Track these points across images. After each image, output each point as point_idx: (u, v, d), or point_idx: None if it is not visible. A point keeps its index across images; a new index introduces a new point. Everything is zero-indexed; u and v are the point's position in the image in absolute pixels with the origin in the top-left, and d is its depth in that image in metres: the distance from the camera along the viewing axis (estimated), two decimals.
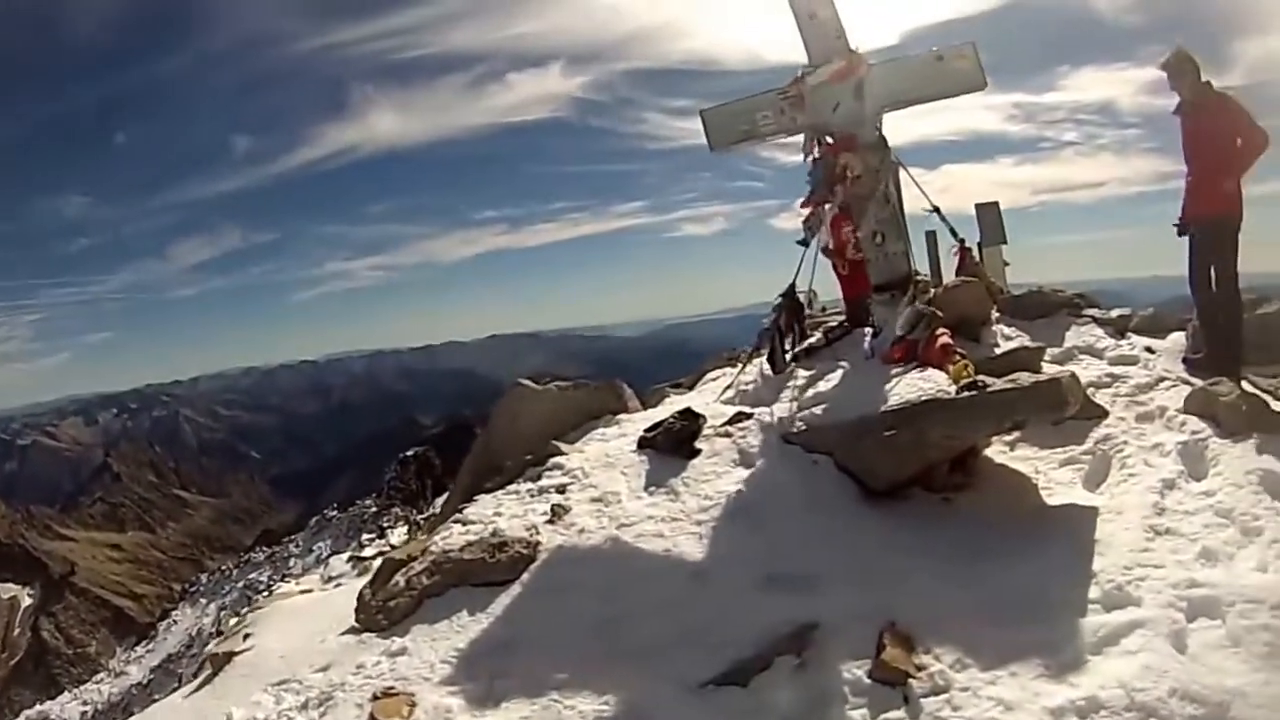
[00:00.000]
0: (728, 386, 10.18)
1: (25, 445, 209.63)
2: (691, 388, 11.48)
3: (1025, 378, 7.40)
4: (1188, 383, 8.92)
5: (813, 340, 10.14)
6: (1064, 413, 7.38)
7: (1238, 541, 6.52)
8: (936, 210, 10.59)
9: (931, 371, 8.04)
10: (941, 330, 8.48)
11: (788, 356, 9.87)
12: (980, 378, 7.46)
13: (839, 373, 8.95)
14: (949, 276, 11.01)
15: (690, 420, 8.87)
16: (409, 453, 52.45)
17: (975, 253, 11.74)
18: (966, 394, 7.31)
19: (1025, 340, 9.67)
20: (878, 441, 7.49)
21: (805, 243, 10.23)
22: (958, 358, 7.96)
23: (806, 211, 10.23)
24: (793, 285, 10.22)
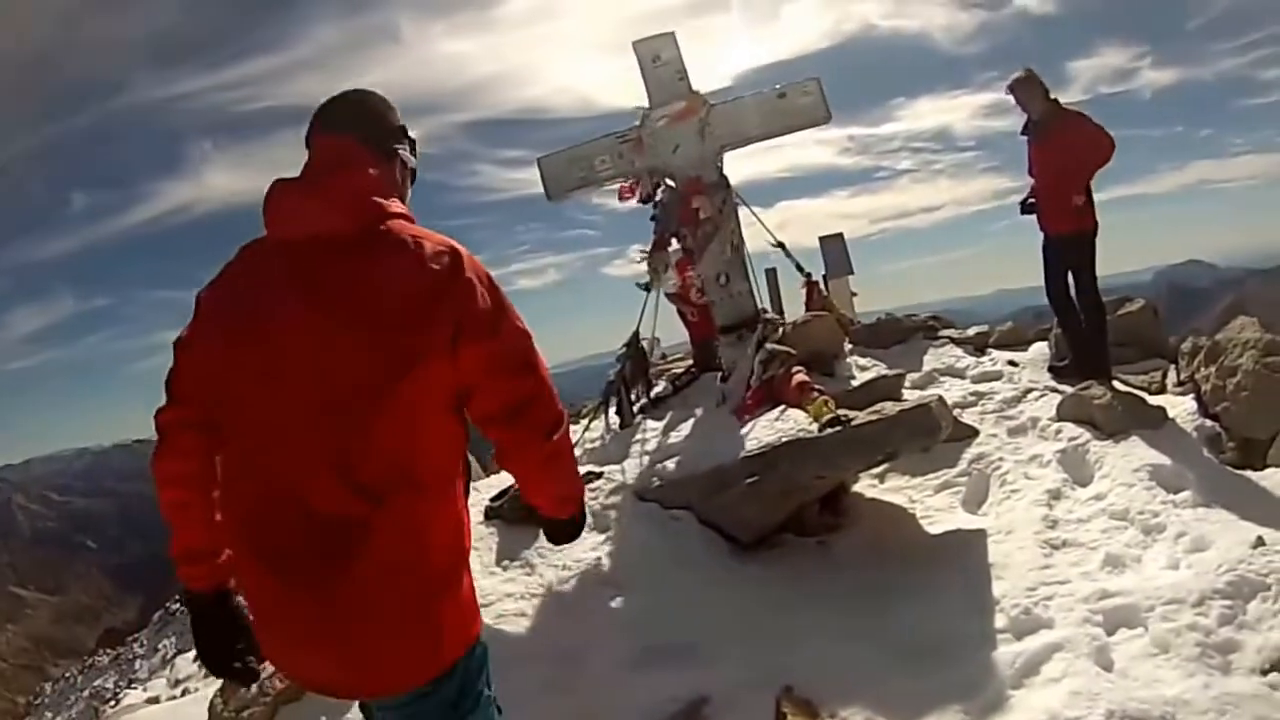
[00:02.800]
0: (573, 445, 9.40)
1: None
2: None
3: (890, 407, 6.99)
4: (1057, 391, 8.74)
5: (660, 389, 9.74)
6: (936, 438, 7.00)
7: (1141, 542, 6.23)
8: (781, 245, 10.36)
9: (789, 411, 7.62)
10: (795, 368, 8.12)
11: (635, 408, 9.39)
12: (842, 412, 7.05)
13: (690, 421, 8.51)
14: (793, 312, 10.85)
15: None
16: None
17: (822, 285, 11.43)
18: (830, 431, 6.87)
19: (883, 369, 9.37)
20: (740, 491, 6.96)
21: (648, 287, 9.83)
22: (815, 394, 7.57)
23: (647, 257, 9.87)
24: (636, 334, 9.80)
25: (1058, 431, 7.91)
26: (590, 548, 7.21)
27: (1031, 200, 9.16)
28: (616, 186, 9.87)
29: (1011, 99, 9.02)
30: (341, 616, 2.58)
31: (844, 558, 6.95)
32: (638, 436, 8.71)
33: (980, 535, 6.67)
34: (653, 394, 9.63)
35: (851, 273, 13.20)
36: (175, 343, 2.91)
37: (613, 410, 9.48)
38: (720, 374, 9.11)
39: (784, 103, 9.34)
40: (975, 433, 8.20)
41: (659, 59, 9.40)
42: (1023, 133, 9.14)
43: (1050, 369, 9.46)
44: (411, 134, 3.09)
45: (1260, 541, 5.78)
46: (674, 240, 9.64)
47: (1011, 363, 9.79)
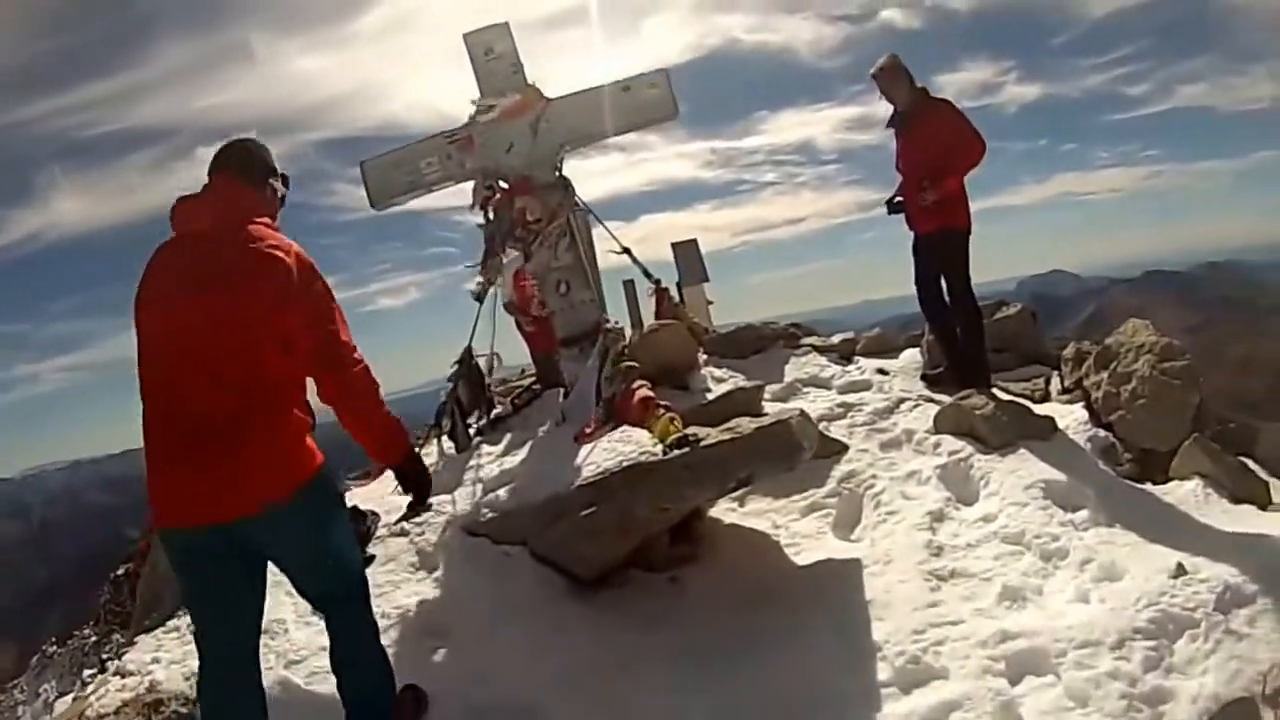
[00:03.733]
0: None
1: None
2: (375, 476, 9.88)
3: (747, 424, 6.15)
4: (933, 401, 8.15)
5: (500, 409, 8.86)
6: (799, 457, 6.09)
7: (1041, 570, 5.57)
8: (626, 251, 9.63)
9: (633, 431, 6.71)
10: (639, 382, 7.23)
11: (471, 432, 8.55)
12: (691, 431, 6.17)
13: (529, 444, 7.64)
14: (650, 322, 9.92)
15: (358, 520, 7.10)
16: (119, 571, 47.45)
17: (675, 293, 10.64)
18: (678, 453, 5.97)
19: (740, 380, 8.53)
20: (576, 524, 6.05)
21: (480, 298, 9.01)
22: (661, 411, 6.66)
23: (480, 266, 9.05)
24: (469, 350, 8.98)
25: (936, 445, 7.25)
26: (411, 592, 6.31)
27: (899, 198, 8.56)
28: (445, 188, 9.11)
29: (877, 90, 8.50)
30: (231, 463, 3.86)
31: (700, 596, 6.08)
32: (472, 463, 7.88)
33: (855, 566, 5.88)
34: (493, 415, 8.82)
35: (706, 279, 12.32)
36: None
37: (446, 435, 8.69)
38: (562, 390, 8.39)
39: (628, 97, 8.66)
40: (844, 448, 7.46)
41: (492, 51, 8.70)
42: (888, 125, 8.57)
43: (924, 377, 8.88)
44: (284, 172, 4.50)
45: (1181, 570, 5.16)
46: (508, 247, 8.86)
47: (881, 371, 9.08)
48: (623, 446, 6.40)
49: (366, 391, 4.25)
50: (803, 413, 6.27)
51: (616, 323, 8.55)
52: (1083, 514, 6.02)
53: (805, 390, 8.70)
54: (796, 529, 6.71)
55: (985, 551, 5.75)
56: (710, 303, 12.03)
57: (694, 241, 12.28)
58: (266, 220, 4.20)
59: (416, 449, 4.73)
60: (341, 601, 4.38)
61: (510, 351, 9.75)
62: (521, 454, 7.50)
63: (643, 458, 6.08)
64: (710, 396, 7.98)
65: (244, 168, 4.32)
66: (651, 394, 7.00)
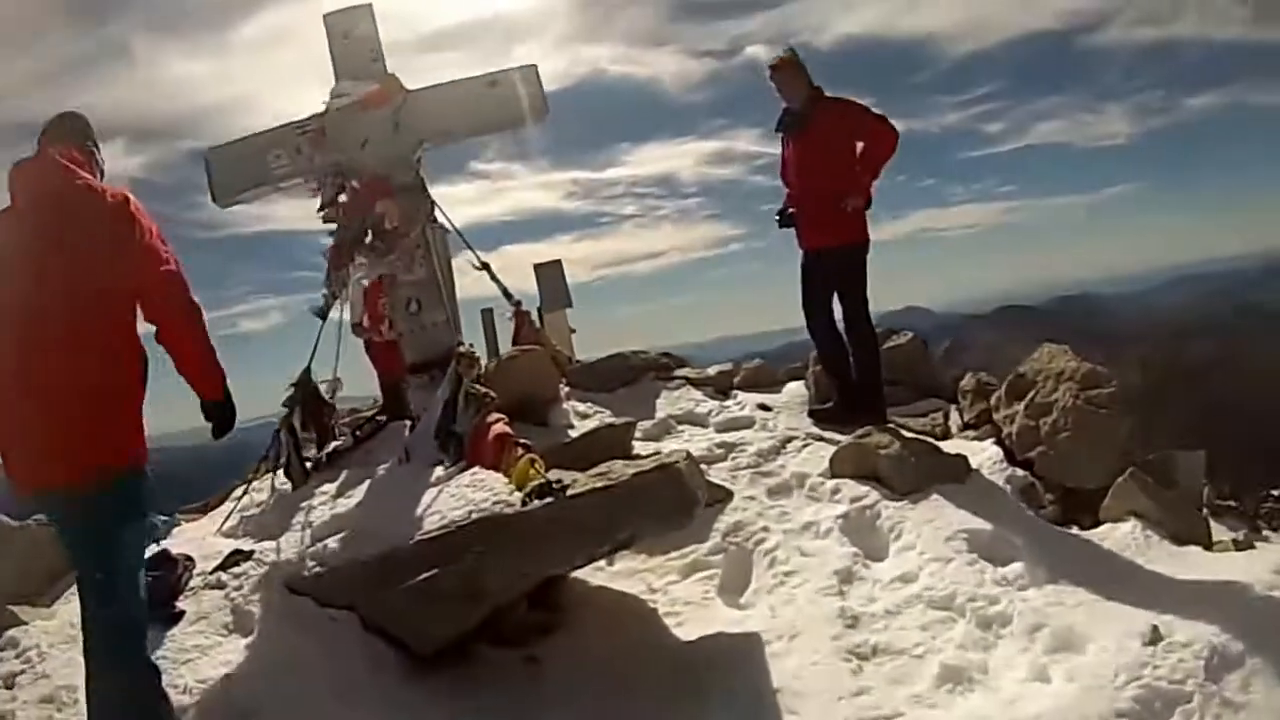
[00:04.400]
0: (231, 511, 7.60)
1: None
2: (206, 512, 8.74)
3: (622, 467, 5.17)
4: (823, 439, 7.36)
5: (339, 441, 7.92)
6: (692, 513, 5.15)
7: (982, 641, 4.73)
8: (485, 267, 8.76)
9: (486, 475, 5.75)
10: (495, 416, 6.25)
11: (308, 466, 7.56)
12: (557, 477, 5.13)
13: (368, 483, 6.68)
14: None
15: (168, 568, 6.04)
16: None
17: (535, 318, 9.79)
18: (540, 504, 4.94)
19: (608, 416, 7.77)
20: (414, 589, 4.97)
21: (323, 314, 8.03)
22: (520, 451, 5.65)
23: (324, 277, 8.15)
24: (307, 373, 8.01)
25: (834, 491, 6.38)
26: (220, 661, 5.20)
27: (791, 210, 7.74)
28: (295, 187, 8.20)
29: (774, 88, 7.65)
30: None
31: (562, 680, 5.03)
32: (304, 503, 6.87)
33: (754, 642, 4.91)
34: (331, 447, 7.87)
35: (570, 305, 11.55)
36: None
37: (280, 468, 7.74)
38: (409, 423, 7.53)
39: (496, 92, 7.92)
40: (728, 495, 6.50)
41: (350, 34, 7.95)
42: (778, 127, 7.77)
43: (811, 413, 8.05)
44: (98, 140, 4.61)
45: (1156, 634, 4.41)
46: (357, 257, 7.97)
47: (763, 407, 8.23)
48: (473, 493, 5.45)
49: (203, 331, 4.32)
50: (688, 456, 5.32)
51: (471, 347, 7.62)
52: (1016, 568, 5.27)
53: (680, 428, 7.87)
54: (677, 593, 5.73)
55: (910, 620, 4.89)
56: (573, 330, 11.29)
57: (558, 263, 11.52)
58: (90, 179, 4.24)
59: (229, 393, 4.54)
60: (105, 634, 4.03)
61: (358, 378, 9.11)
62: (358, 495, 6.57)
63: (497, 508, 5.10)
64: (574, 433, 7.24)
65: (68, 133, 4.43)
66: (509, 430, 6.04)
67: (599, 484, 4.91)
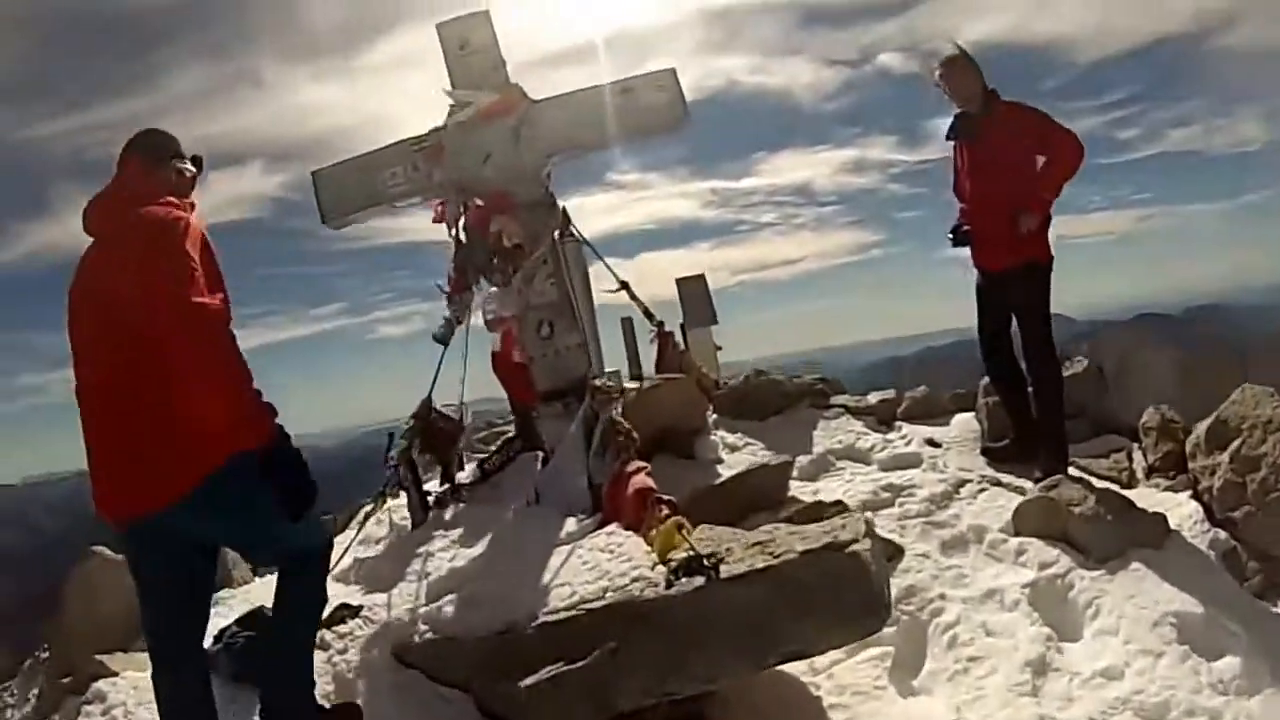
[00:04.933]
0: (344, 552, 7.08)
1: None
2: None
3: (784, 537, 4.35)
4: (999, 484, 6.61)
5: (464, 475, 7.43)
6: (880, 619, 4.25)
7: None
8: (624, 286, 8.28)
9: (623, 537, 5.03)
10: (636, 465, 5.51)
11: (431, 500, 7.05)
12: (707, 551, 4.30)
13: (493, 531, 6.06)
14: (652, 369, 8.65)
15: (254, 623, 5.64)
16: None
17: (679, 337, 9.23)
18: (686, 585, 4.15)
19: (759, 449, 7.19)
20: (537, 686, 4.21)
21: (444, 340, 7.54)
22: (663, 511, 4.87)
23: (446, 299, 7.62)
24: (428, 403, 7.51)
25: (1019, 552, 5.60)
26: None
27: (965, 227, 6.97)
28: (411, 206, 7.71)
29: (942, 90, 6.93)
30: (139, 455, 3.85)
31: None
32: (422, 548, 6.32)
33: None
34: (455, 481, 7.34)
35: (715, 321, 10.71)
36: None
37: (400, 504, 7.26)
38: (541, 456, 6.96)
39: (629, 100, 7.26)
40: (898, 551, 5.68)
41: (468, 44, 7.39)
42: (949, 135, 7.02)
43: (984, 451, 7.35)
44: (196, 154, 4.48)
45: None
46: (482, 279, 7.41)
47: (931, 442, 7.55)
48: (609, 562, 4.73)
49: (226, 371, 3.79)
50: (868, 523, 4.50)
51: (608, 381, 7.03)
52: (1233, 664, 4.50)
53: (840, 466, 7.17)
54: (843, 677, 4.85)
55: None
56: (719, 348, 10.51)
57: (701, 278, 10.75)
58: (164, 197, 4.09)
59: (288, 436, 3.93)
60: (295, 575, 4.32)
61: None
62: (480, 545, 5.98)
63: (637, 588, 4.34)
64: (723, 472, 6.60)
65: (145, 149, 4.29)
66: (651, 484, 5.28)
67: (759, 563, 4.11)
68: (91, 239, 4.14)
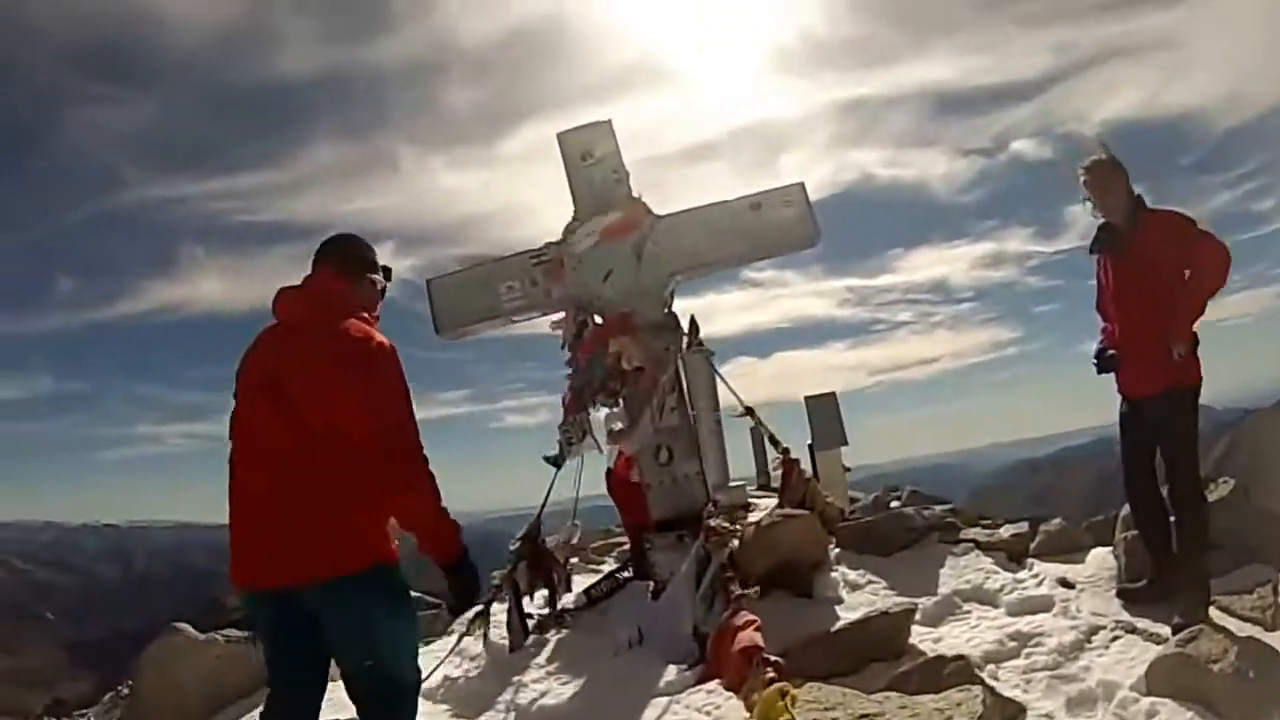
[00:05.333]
0: (436, 665, 6.83)
1: None
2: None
3: (896, 717, 4.18)
4: (1135, 632, 6.11)
5: (570, 600, 7.37)
6: None
7: None
8: (749, 412, 8.17)
9: (723, 700, 4.89)
10: (746, 618, 5.25)
11: (532, 623, 7.01)
12: None
13: (591, 670, 5.95)
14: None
15: None
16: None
17: (806, 463, 8.96)
18: None
19: (882, 588, 6.88)
20: None
21: (557, 462, 7.45)
22: (769, 673, 4.58)
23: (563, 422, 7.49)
24: (537, 525, 7.37)
25: (1150, 714, 5.09)
26: None
27: (1111, 351, 6.52)
28: (529, 321, 7.68)
29: (1082, 196, 6.54)
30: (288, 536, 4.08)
31: None
32: (516, 676, 6.23)
33: None
34: (559, 605, 7.24)
35: (845, 443, 10.25)
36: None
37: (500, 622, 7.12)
38: (651, 587, 6.72)
39: (758, 217, 7.16)
40: (1020, 711, 5.28)
41: (591, 155, 7.34)
42: (1093, 248, 6.60)
43: (1120, 593, 6.76)
44: (384, 264, 4.72)
45: None
46: (598, 401, 7.34)
47: (1064, 582, 7.04)
48: None
49: (422, 487, 4.17)
50: (986, 696, 4.34)
51: (725, 524, 6.65)
52: None
53: (966, 609, 6.76)
54: None
55: None
56: (848, 470, 10.17)
57: (832, 396, 10.35)
58: (358, 311, 4.40)
59: (467, 551, 4.35)
60: (377, 709, 4.30)
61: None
62: (575, 683, 5.88)
63: None
64: (842, 614, 6.29)
65: (343, 261, 4.55)
66: (759, 641, 5.04)
67: None
68: (277, 323, 4.44)
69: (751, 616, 5.24)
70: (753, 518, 7.59)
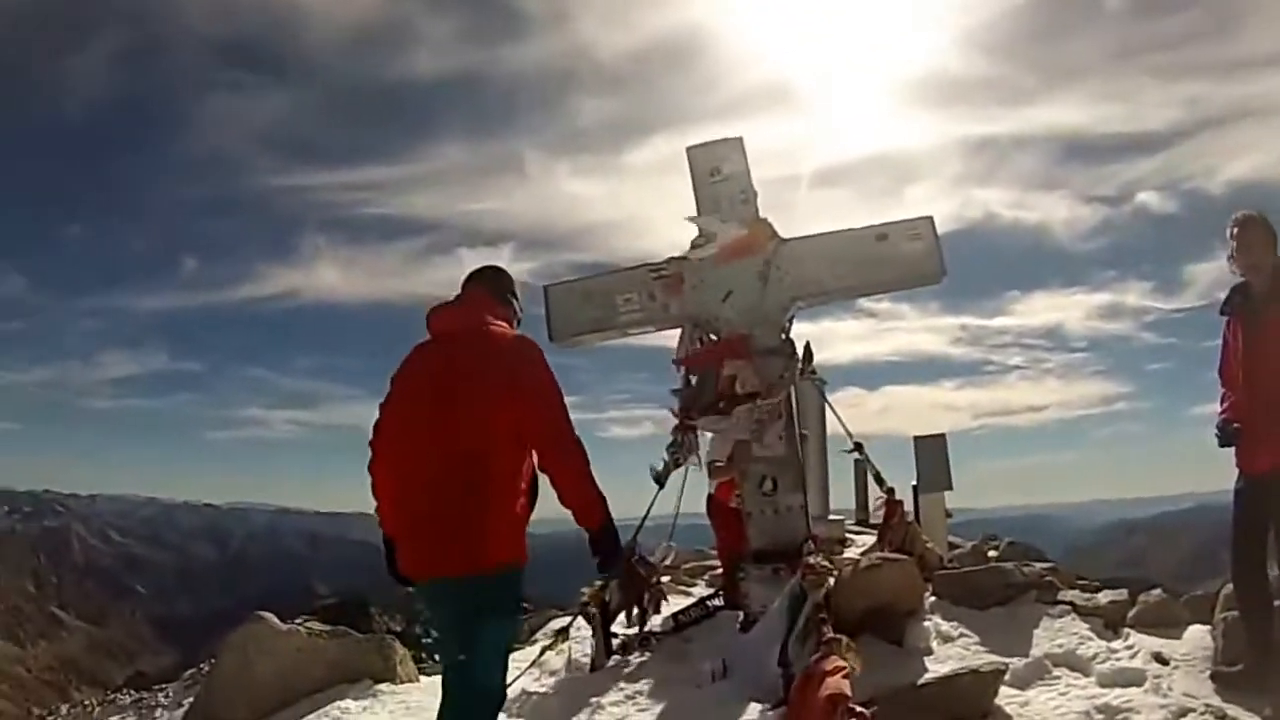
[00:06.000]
0: (515, 678, 6.77)
1: None
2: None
3: None
4: (1225, 718, 5.78)
5: (657, 622, 7.27)
6: None
7: None
8: (859, 448, 8.05)
9: None
10: (835, 664, 4.99)
11: (616, 644, 6.98)
12: None
13: (670, 699, 5.93)
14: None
15: None
16: (298, 621, 48.82)
17: (909, 505, 8.70)
18: None
19: (973, 643, 6.67)
20: None
21: (661, 480, 7.35)
22: None
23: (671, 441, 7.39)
24: (632, 544, 7.13)
25: None
26: None
27: (1236, 424, 6.20)
28: (642, 334, 7.65)
29: (1228, 252, 6.24)
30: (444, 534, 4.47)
31: None
32: (595, 698, 6.19)
33: None
34: (646, 627, 7.13)
35: (949, 488, 9.99)
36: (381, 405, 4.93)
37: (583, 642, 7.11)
38: (741, 618, 6.65)
39: (884, 247, 7.07)
40: None
41: (719, 172, 7.28)
42: (1224, 308, 6.35)
43: (1215, 675, 6.42)
44: (518, 293, 5.27)
45: None
46: (705, 424, 7.22)
47: (1159, 658, 6.76)
48: None
49: (580, 467, 4.71)
50: None
51: (823, 563, 6.52)
52: None
53: (1056, 673, 6.51)
54: None
55: None
56: (950, 515, 9.96)
57: (942, 438, 10.12)
58: (501, 324, 4.87)
59: (612, 522, 4.86)
60: (460, 705, 4.57)
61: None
62: (653, 713, 5.90)
63: None
64: (930, 666, 6.14)
65: (494, 285, 5.11)
66: (846, 689, 4.91)
67: None
68: (431, 339, 4.93)
69: (841, 663, 4.99)
70: (850, 553, 7.53)
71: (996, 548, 9.90)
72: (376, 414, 5.00)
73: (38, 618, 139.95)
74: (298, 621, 8.82)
